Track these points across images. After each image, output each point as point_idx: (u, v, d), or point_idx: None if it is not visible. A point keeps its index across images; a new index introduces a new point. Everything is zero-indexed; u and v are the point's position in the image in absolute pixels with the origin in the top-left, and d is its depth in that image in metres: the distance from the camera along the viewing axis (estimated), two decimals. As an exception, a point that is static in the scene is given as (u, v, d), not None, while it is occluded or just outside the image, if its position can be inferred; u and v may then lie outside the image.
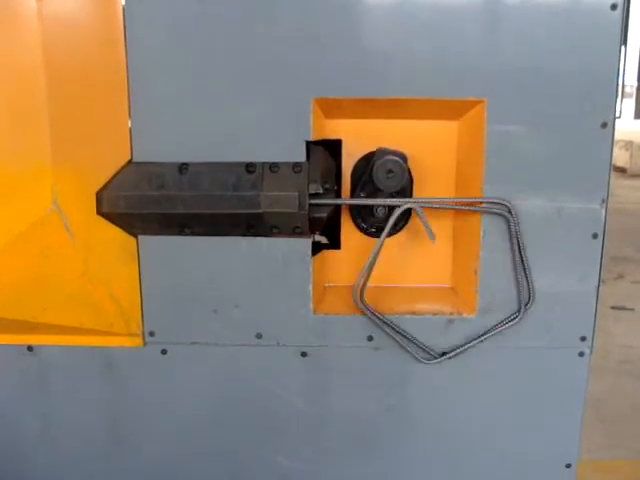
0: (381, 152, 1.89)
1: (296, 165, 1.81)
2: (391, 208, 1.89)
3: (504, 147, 1.80)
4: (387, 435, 2.05)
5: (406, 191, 1.94)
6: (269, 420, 2.04)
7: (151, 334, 1.95)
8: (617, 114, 1.82)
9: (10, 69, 1.82)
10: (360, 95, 1.79)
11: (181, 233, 1.87)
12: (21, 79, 1.83)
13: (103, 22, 1.80)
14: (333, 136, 1.95)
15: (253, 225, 1.85)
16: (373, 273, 1.91)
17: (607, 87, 1.77)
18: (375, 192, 1.90)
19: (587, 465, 3.81)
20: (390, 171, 1.84)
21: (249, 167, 1.82)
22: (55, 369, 2.02)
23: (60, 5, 1.80)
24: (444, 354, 1.94)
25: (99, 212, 1.85)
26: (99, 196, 1.84)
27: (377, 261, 1.90)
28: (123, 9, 1.75)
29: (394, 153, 1.88)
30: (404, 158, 1.88)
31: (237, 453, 2.07)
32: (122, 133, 1.82)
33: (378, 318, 1.90)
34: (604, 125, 1.78)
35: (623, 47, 1.76)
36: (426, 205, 1.88)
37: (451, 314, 1.93)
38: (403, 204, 1.86)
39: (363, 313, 1.92)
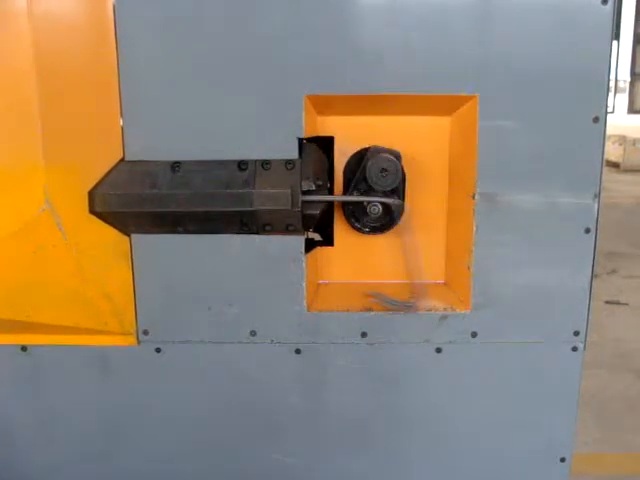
0: (374, 150, 1.89)
1: (288, 162, 1.81)
2: (384, 206, 1.90)
3: (496, 142, 1.80)
4: (382, 431, 2.05)
5: (399, 187, 1.94)
6: (264, 417, 2.04)
7: (145, 333, 1.95)
8: (610, 109, 1.82)
9: (1, 68, 1.82)
10: (352, 92, 1.79)
11: (174, 231, 1.87)
12: (12, 78, 1.82)
13: (94, 20, 1.80)
14: (325, 133, 1.95)
15: (246, 223, 1.85)
16: (367, 270, 1.92)
17: (598, 82, 1.77)
18: (369, 191, 1.90)
19: (581, 459, 3.83)
20: (384, 170, 1.84)
21: (241, 165, 1.82)
22: (49, 369, 2.01)
23: (50, 4, 1.79)
24: (439, 350, 1.95)
25: (92, 211, 1.85)
26: (91, 195, 1.84)
27: (370, 258, 1.91)
28: (114, 7, 1.74)
29: (387, 151, 1.88)
30: (398, 156, 1.88)
31: (232, 450, 2.07)
32: (114, 132, 1.81)
33: None
34: (596, 120, 1.78)
35: (615, 42, 1.76)
36: None
37: (445, 310, 1.93)
38: (394, 202, 1.88)
39: (356, 309, 1.92)
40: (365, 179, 1.87)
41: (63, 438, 2.08)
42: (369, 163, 1.85)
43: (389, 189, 1.87)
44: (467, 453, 2.06)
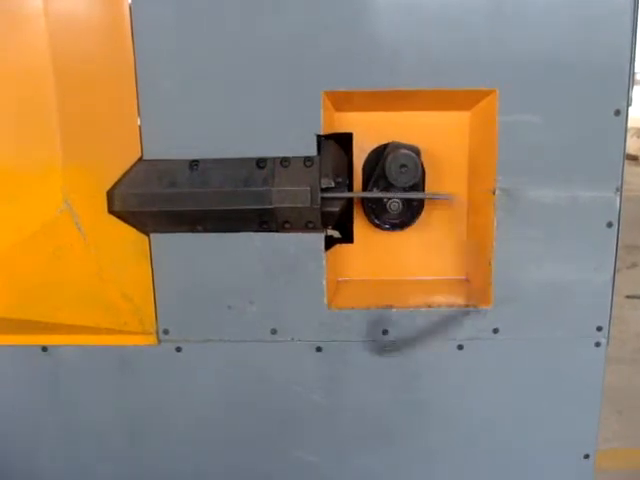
0: (394, 146, 1.88)
1: (307, 159, 1.80)
2: (405, 202, 1.89)
3: (516, 137, 1.78)
4: (403, 428, 2.04)
5: (419, 183, 1.92)
6: (285, 415, 2.03)
7: (165, 332, 1.95)
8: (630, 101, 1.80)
9: (18, 69, 1.82)
10: (370, 87, 1.78)
11: (193, 230, 1.87)
12: (30, 79, 1.83)
13: (110, 20, 1.80)
14: (344, 129, 1.94)
15: (265, 221, 1.84)
16: (387, 267, 1.91)
17: (620, 74, 1.75)
18: (388, 187, 1.89)
19: (604, 454, 3.80)
20: (403, 165, 1.83)
21: (260, 162, 1.81)
22: (70, 369, 2.01)
23: (67, 4, 1.79)
24: (460, 347, 1.93)
25: (110, 211, 1.85)
26: (110, 195, 1.84)
27: (390, 255, 1.90)
28: (130, 7, 1.74)
29: (407, 147, 1.87)
30: (417, 152, 1.87)
31: (253, 449, 2.07)
32: (132, 131, 1.81)
33: None
34: (617, 113, 1.76)
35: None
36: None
37: (466, 306, 1.92)
38: (416, 197, 1.87)
39: (377, 306, 1.91)
40: (385, 176, 1.86)
41: (84, 438, 2.09)
42: (388, 159, 1.83)
43: (408, 185, 1.86)
44: (489, 450, 2.05)
